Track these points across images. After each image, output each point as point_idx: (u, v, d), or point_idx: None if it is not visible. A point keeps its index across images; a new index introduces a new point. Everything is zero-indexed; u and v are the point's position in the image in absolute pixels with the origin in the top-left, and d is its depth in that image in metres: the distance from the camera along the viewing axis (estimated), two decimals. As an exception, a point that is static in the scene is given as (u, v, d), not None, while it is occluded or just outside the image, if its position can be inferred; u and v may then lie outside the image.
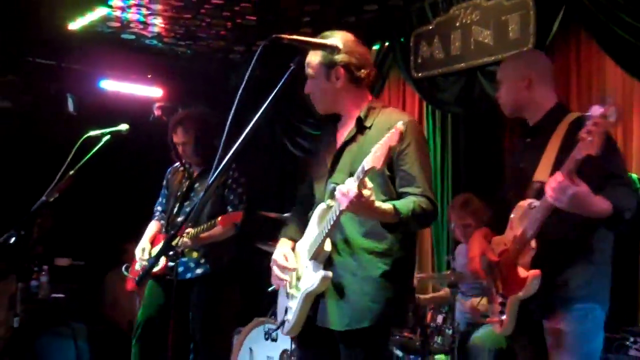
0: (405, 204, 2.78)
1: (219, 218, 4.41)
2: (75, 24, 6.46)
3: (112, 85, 7.36)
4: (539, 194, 2.84)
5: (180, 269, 4.53)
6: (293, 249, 3.10)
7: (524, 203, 2.94)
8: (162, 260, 4.52)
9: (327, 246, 2.88)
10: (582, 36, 5.05)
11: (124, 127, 4.74)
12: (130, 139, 4.87)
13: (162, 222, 4.85)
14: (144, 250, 4.69)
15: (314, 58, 3.01)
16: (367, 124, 2.98)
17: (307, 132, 6.93)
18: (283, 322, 3.06)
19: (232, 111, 2.59)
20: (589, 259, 2.93)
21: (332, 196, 2.88)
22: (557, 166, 2.72)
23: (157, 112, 7.29)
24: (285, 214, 4.43)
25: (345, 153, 3.02)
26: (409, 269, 3.07)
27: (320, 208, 2.99)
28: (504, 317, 3.00)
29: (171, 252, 3.73)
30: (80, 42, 6.81)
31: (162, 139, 5.03)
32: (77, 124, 5.86)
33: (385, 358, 3.02)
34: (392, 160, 2.84)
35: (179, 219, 4.61)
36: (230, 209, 4.59)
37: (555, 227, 2.85)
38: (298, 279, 3.00)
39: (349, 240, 2.91)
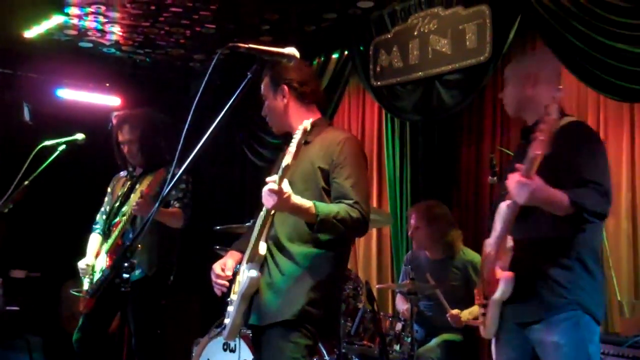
0: (329, 206, 2.86)
1: None
2: (32, 32, 6.39)
3: (69, 94, 7.28)
4: None
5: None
6: (241, 261, 3.14)
7: (503, 204, 2.93)
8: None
9: (262, 249, 2.98)
10: (537, 45, 5.12)
11: (79, 136, 4.70)
12: (88, 148, 4.83)
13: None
14: (88, 266, 4.56)
15: (264, 79, 3.15)
16: (309, 139, 3.05)
17: (267, 141, 6.91)
18: (225, 327, 3.11)
19: (189, 119, 2.58)
20: (570, 260, 2.85)
21: None
22: (540, 170, 2.66)
23: (115, 122, 7.19)
24: (247, 224, 4.36)
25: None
26: (335, 274, 3.06)
27: (261, 214, 3.03)
28: (485, 319, 3.01)
29: (126, 264, 3.66)
30: (36, 50, 6.74)
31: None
32: (33, 133, 5.77)
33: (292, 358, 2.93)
34: (328, 174, 2.97)
35: (116, 220, 4.51)
36: (176, 204, 4.47)
37: (532, 226, 2.84)
38: (238, 283, 3.06)
39: (278, 242, 3.00)
